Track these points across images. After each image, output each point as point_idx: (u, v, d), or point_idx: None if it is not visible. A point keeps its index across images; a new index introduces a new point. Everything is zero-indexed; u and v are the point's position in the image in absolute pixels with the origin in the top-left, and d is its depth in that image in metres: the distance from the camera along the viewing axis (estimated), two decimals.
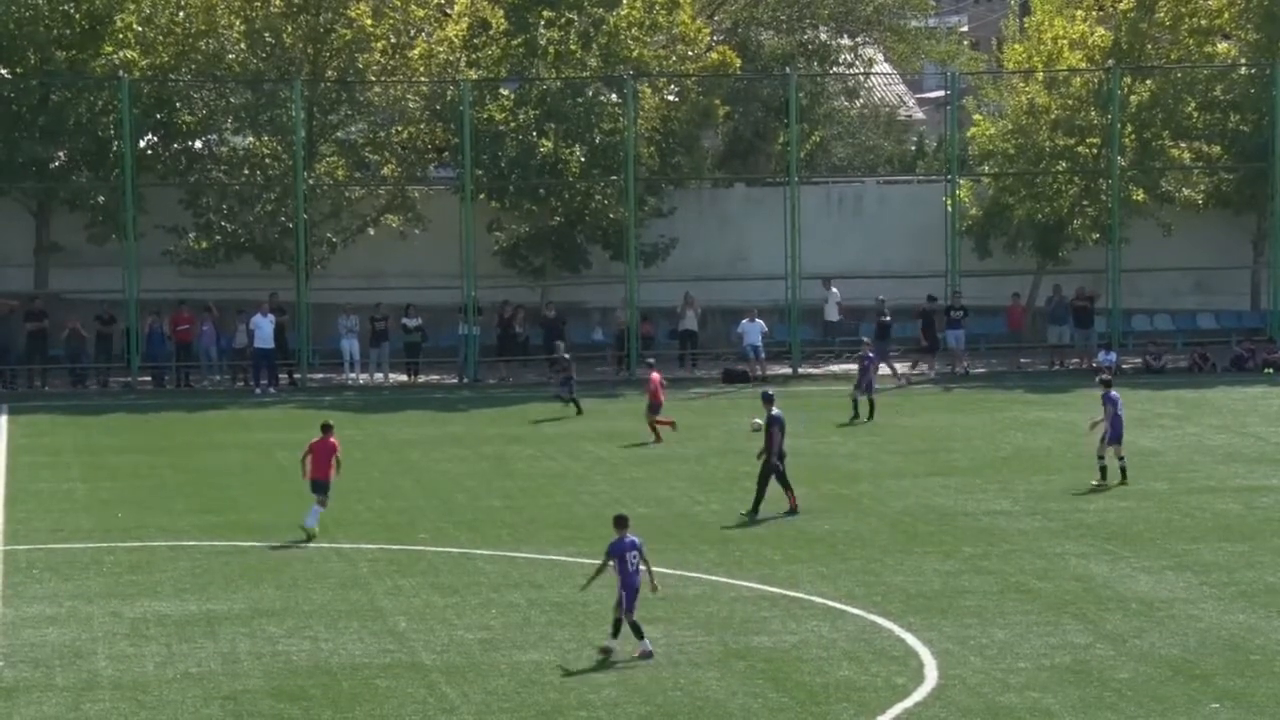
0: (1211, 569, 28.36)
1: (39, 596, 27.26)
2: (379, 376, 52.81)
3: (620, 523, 24.03)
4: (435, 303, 53.49)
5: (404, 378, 53.01)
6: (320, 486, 31.54)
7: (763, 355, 52.38)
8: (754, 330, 52.40)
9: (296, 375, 52.37)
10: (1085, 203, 55.67)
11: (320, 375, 53.01)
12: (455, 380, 52.73)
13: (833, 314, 54.29)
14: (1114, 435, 34.80)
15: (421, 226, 54.01)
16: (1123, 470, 34.99)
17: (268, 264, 52.98)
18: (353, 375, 52.82)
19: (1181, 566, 28.52)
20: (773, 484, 32.70)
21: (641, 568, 23.77)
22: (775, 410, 32.98)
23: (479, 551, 30.17)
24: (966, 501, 34.02)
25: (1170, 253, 56.00)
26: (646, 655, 23.52)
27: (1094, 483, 34.81)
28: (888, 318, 52.79)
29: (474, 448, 40.90)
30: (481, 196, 53.52)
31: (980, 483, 35.85)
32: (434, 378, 53.01)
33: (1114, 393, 35.04)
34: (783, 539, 30.88)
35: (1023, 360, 54.68)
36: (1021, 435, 42.12)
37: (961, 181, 55.69)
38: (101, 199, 52.17)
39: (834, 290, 54.24)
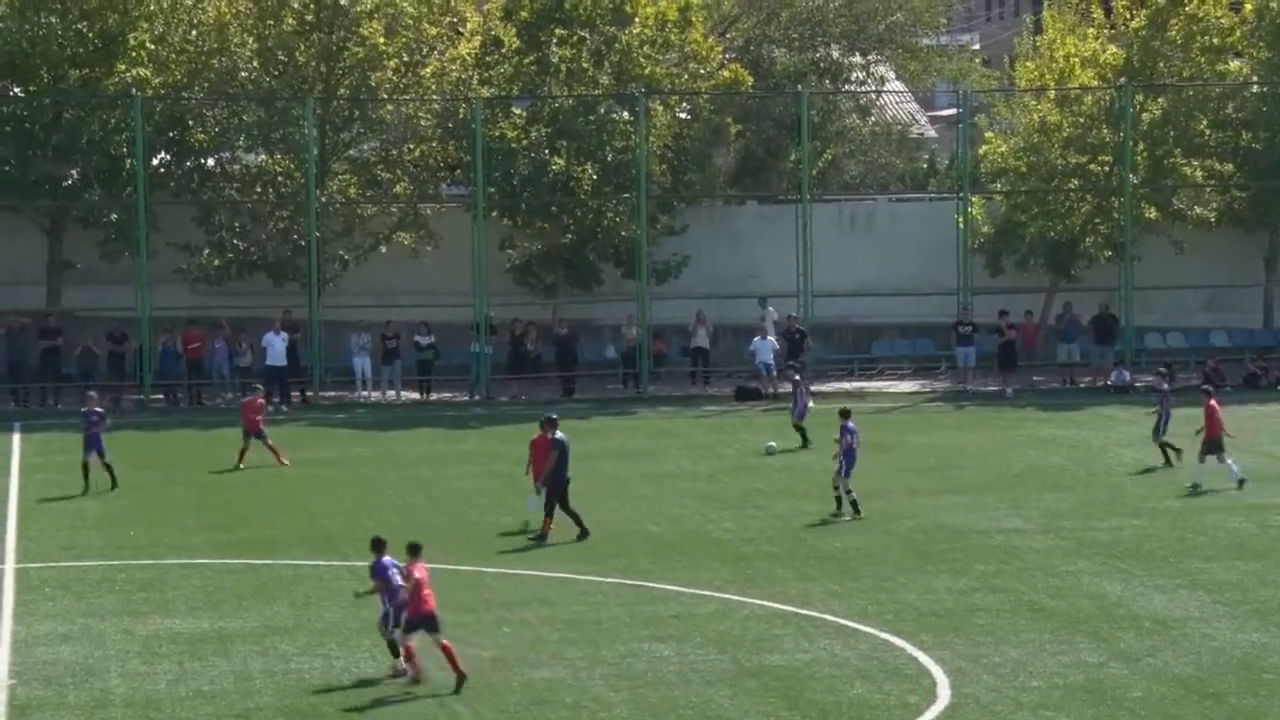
0: (1225, 587, 28.31)
1: (51, 614, 27.28)
2: (391, 394, 52.84)
3: (377, 546, 24.35)
4: (447, 320, 53.49)
5: (416, 395, 53.02)
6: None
7: (775, 373, 52.34)
8: (766, 348, 52.35)
9: (308, 393, 52.41)
10: (1097, 220, 55.64)
11: (332, 393, 53.02)
12: (467, 398, 52.73)
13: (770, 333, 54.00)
14: (848, 467, 34.18)
15: (433, 244, 54.04)
16: (854, 504, 34.08)
17: (280, 282, 53.03)
18: (364, 393, 52.84)
19: (1194, 585, 28.48)
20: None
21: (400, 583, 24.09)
22: (559, 434, 32.60)
23: (490, 569, 30.16)
24: (979, 519, 33.98)
25: (1183, 270, 55.93)
26: (399, 674, 23.73)
27: (832, 513, 34.15)
28: (802, 331, 52.42)
29: (486, 465, 40.88)
30: (493, 214, 53.56)
31: (992, 500, 35.81)
32: (446, 395, 53.02)
33: (851, 424, 34.43)
34: (795, 557, 30.86)
35: (1035, 378, 54.60)
36: (1034, 453, 42.07)
37: (973, 199, 55.66)
38: (114, 217, 52.25)
39: (770, 309, 54.02)
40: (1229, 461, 36.69)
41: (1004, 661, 24.19)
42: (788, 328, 52.85)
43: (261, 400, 42.08)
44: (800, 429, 42.23)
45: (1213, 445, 36.77)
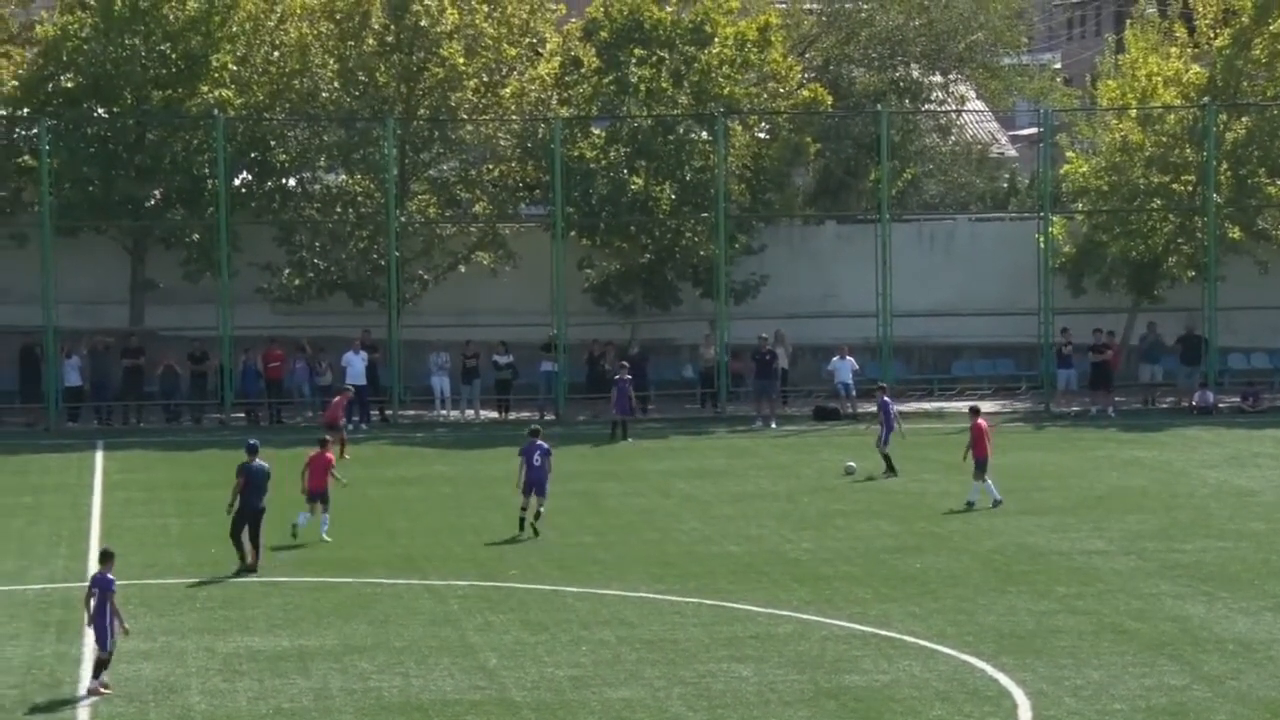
0: None
1: (133, 632, 27.34)
2: (470, 413, 52.97)
3: (104, 557, 24.73)
4: (526, 340, 53.59)
5: (495, 414, 53.11)
6: (318, 497, 33.84)
7: (854, 393, 52.21)
8: (845, 368, 52.24)
9: (388, 412, 52.59)
10: (1180, 240, 55.23)
11: (411, 412, 53.19)
12: (547, 417, 52.74)
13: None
14: (537, 490, 34.24)
15: (512, 264, 54.16)
16: (528, 522, 34.20)
17: (360, 301, 53.28)
18: (444, 412, 52.99)
19: (1279, 608, 28.17)
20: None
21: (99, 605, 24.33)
22: (259, 461, 32.05)
23: (569, 588, 30.14)
24: (1060, 540, 33.75)
25: (1267, 290, 55.44)
26: (94, 693, 23.99)
27: (520, 534, 33.96)
28: (771, 354, 52.09)
29: (564, 484, 40.80)
30: (572, 234, 53.66)
31: (1074, 522, 35.56)
32: (525, 414, 53.06)
33: (542, 444, 34.32)
34: (874, 578, 30.72)
35: (1117, 399, 54.21)
36: (1116, 474, 41.76)
37: (1054, 219, 55.38)
38: (196, 237, 52.66)
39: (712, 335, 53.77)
40: (988, 482, 37.16)
41: (1086, 684, 23.99)
42: (758, 346, 52.37)
43: (341, 398, 45.16)
44: None
45: (980, 465, 37.32)
